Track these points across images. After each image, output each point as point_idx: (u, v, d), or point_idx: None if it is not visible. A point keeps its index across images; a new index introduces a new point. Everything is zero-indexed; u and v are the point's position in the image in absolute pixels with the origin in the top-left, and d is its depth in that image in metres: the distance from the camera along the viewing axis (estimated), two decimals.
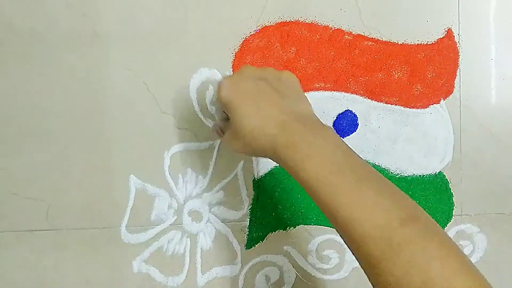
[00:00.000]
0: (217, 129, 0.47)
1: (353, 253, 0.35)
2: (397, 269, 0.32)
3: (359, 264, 0.35)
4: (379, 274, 0.33)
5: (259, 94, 0.39)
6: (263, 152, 0.39)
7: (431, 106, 0.54)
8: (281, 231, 0.55)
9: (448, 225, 0.55)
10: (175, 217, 0.54)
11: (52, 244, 0.54)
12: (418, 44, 0.53)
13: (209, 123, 0.53)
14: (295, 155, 0.36)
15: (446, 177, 0.54)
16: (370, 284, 0.35)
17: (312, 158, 0.36)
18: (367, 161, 0.54)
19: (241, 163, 0.54)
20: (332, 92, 0.53)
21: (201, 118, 0.53)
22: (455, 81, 0.53)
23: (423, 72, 0.53)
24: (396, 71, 0.53)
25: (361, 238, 0.33)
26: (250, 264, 0.55)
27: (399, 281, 0.32)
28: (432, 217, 0.52)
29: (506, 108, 0.54)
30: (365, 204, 0.34)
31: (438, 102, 0.54)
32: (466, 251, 0.55)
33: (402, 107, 0.54)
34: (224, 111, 0.43)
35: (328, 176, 0.35)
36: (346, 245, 0.36)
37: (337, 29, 0.53)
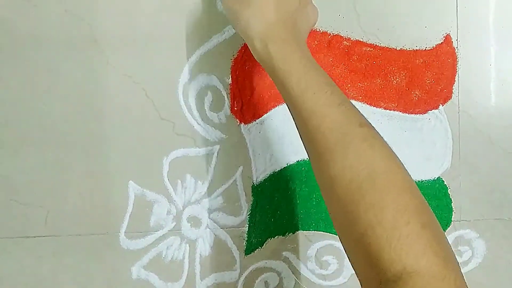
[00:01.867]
0: None
1: (305, 145, 0.39)
2: (346, 160, 0.35)
3: (309, 156, 0.39)
4: (328, 164, 0.36)
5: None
6: (241, 33, 0.43)
7: (429, 112, 0.54)
8: (280, 237, 0.55)
9: (446, 230, 0.55)
10: (174, 223, 0.54)
11: (51, 250, 0.54)
12: (416, 50, 0.53)
13: (208, 129, 0.53)
14: (283, 46, 0.40)
15: (445, 183, 0.54)
16: (318, 183, 0.38)
17: (295, 54, 0.40)
18: None
19: (240, 169, 0.54)
20: None
21: (200, 124, 0.53)
22: (453, 87, 0.53)
23: (421, 78, 0.53)
24: (394, 77, 0.53)
25: (318, 129, 0.37)
26: (249, 270, 0.55)
27: (345, 171, 0.35)
28: None
29: (505, 114, 0.54)
30: (331, 106, 0.37)
31: (436, 108, 0.54)
32: (465, 256, 0.55)
33: (400, 113, 0.54)
34: None
35: (302, 73, 0.39)
36: (303, 144, 0.39)
37: (336, 35, 0.53)
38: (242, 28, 0.43)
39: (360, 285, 0.36)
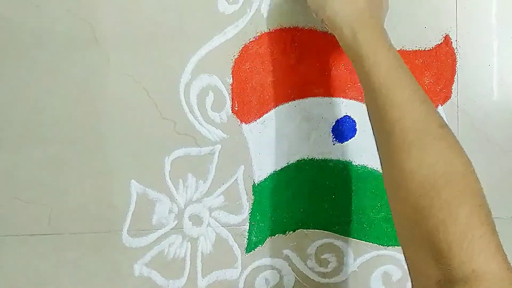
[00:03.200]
0: None
1: (380, 136, 0.39)
2: (424, 156, 0.36)
3: (381, 147, 0.39)
4: (403, 158, 0.36)
5: None
6: (326, 22, 0.43)
7: None
8: (280, 235, 0.56)
9: None
10: (176, 222, 0.55)
11: (54, 248, 0.55)
12: (415, 50, 0.53)
13: (209, 128, 0.54)
14: (373, 35, 0.41)
15: None
16: (385, 175, 0.39)
17: (384, 44, 0.41)
18: (365, 166, 0.55)
19: (241, 168, 0.54)
20: (331, 97, 0.54)
21: (201, 124, 0.54)
22: (452, 87, 0.54)
23: (421, 78, 0.53)
24: None
25: (398, 123, 0.37)
26: (250, 267, 0.56)
27: (422, 166, 0.35)
28: None
29: (504, 114, 0.55)
30: (415, 102, 0.38)
31: (435, 107, 0.54)
32: None
33: None
34: None
35: (392, 67, 0.39)
36: (374, 134, 0.40)
37: None
38: (329, 15, 0.43)
39: (411, 283, 0.36)
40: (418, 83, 0.39)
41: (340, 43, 0.43)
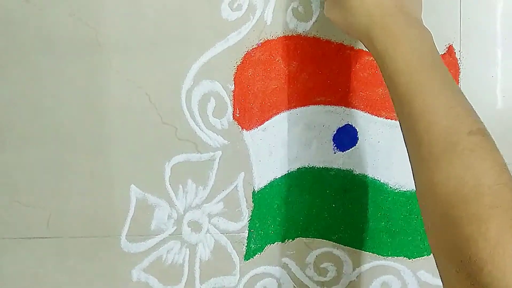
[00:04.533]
0: None
1: (410, 146, 0.38)
2: (452, 169, 0.34)
3: (412, 161, 0.38)
4: (431, 170, 0.35)
5: None
6: (357, 30, 0.41)
7: None
8: (279, 243, 0.56)
9: None
10: (175, 227, 0.55)
11: (52, 252, 0.55)
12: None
13: (210, 135, 0.54)
14: (388, 40, 0.39)
15: None
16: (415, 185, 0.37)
17: (403, 49, 0.38)
18: (366, 176, 0.55)
19: (242, 175, 0.54)
20: (333, 106, 0.54)
21: (202, 130, 0.53)
22: None
23: None
24: None
25: (425, 133, 0.36)
26: (248, 275, 0.56)
27: (450, 180, 0.34)
28: None
29: (507, 125, 0.54)
30: (440, 108, 0.36)
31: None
32: None
33: None
34: None
35: (413, 72, 0.37)
36: (405, 142, 0.39)
37: (339, 43, 0.53)
38: (350, 30, 0.42)
39: None
40: (448, 82, 0.37)
41: (366, 46, 0.42)
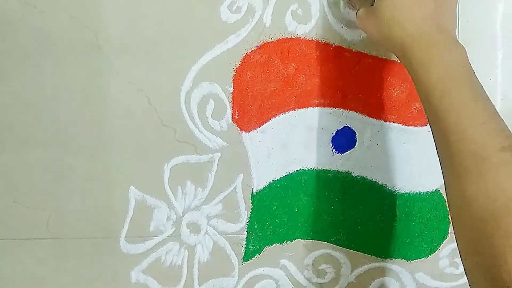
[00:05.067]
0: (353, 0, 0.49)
1: (442, 162, 0.38)
2: (483, 185, 0.34)
3: (445, 174, 0.38)
4: (462, 185, 0.36)
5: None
6: (392, 45, 0.42)
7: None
8: (278, 244, 0.56)
9: (443, 242, 0.55)
10: (174, 229, 0.55)
11: (52, 253, 0.55)
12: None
13: (209, 136, 0.54)
14: (423, 57, 0.39)
15: (443, 195, 0.55)
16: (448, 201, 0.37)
17: (438, 66, 0.39)
18: (365, 178, 0.55)
19: (240, 176, 0.54)
20: (331, 108, 0.54)
21: (201, 132, 0.54)
22: None
23: None
24: (395, 89, 0.54)
25: (458, 150, 0.36)
26: (247, 277, 0.56)
27: (480, 195, 0.34)
28: (428, 234, 0.53)
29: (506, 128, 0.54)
30: (474, 124, 0.36)
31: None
32: (462, 269, 0.56)
33: (400, 125, 0.54)
34: None
35: (447, 89, 0.38)
36: (438, 155, 0.39)
37: (337, 46, 0.53)
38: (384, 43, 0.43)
39: None
40: (481, 96, 0.38)
41: (398, 56, 0.43)
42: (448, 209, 0.39)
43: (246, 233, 0.55)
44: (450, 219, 0.38)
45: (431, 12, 0.41)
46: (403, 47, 0.41)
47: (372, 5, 0.45)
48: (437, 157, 0.39)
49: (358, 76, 0.53)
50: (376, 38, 0.44)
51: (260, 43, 0.53)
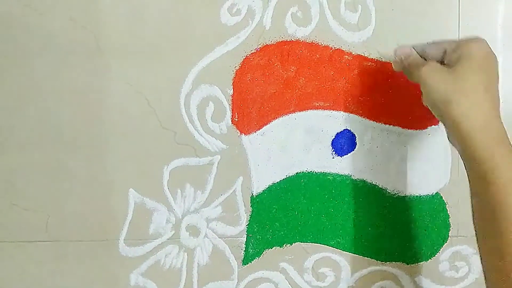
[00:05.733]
0: (416, 58, 0.46)
1: (488, 237, 0.39)
2: None
3: (484, 251, 0.39)
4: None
5: (489, 86, 0.41)
6: (442, 118, 0.42)
7: (429, 127, 0.54)
8: (277, 247, 0.56)
9: (444, 245, 0.55)
10: (173, 232, 0.55)
11: (51, 255, 0.55)
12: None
13: (209, 139, 0.54)
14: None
15: (443, 198, 0.55)
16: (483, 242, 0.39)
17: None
18: (365, 181, 0.55)
19: (240, 179, 0.54)
20: (331, 111, 0.54)
21: (201, 134, 0.54)
22: None
23: (421, 95, 0.53)
24: (395, 92, 0.53)
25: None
26: (246, 280, 0.56)
27: None
28: (429, 238, 0.53)
29: (507, 132, 0.54)
30: None
31: (436, 123, 0.54)
32: (462, 272, 0.56)
33: (400, 128, 0.54)
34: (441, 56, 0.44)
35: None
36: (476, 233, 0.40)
37: (337, 49, 0.53)
38: (454, 116, 0.40)
39: None
40: None
41: (457, 141, 0.41)
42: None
43: (245, 236, 0.55)
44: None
45: (496, 105, 0.42)
46: (464, 139, 0.40)
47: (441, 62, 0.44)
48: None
49: (358, 79, 0.53)
50: (429, 103, 0.43)
51: (260, 46, 0.53)
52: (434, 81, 0.42)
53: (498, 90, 0.43)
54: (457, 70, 0.41)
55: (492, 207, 0.38)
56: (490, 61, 0.42)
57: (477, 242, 0.40)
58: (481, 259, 0.40)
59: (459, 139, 0.40)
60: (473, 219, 0.41)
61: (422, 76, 0.43)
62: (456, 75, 0.41)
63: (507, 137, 0.40)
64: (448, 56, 0.44)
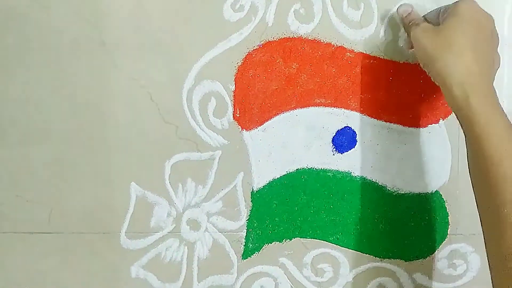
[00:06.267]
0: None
1: (485, 213, 0.39)
2: None
3: (488, 222, 0.39)
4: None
5: (477, 43, 0.41)
6: (432, 75, 0.43)
7: (429, 125, 0.54)
8: (277, 243, 0.56)
9: (442, 243, 0.55)
10: (174, 225, 0.55)
11: (53, 247, 0.56)
12: (418, 63, 0.53)
13: (210, 134, 0.54)
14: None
15: (442, 196, 0.55)
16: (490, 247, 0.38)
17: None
18: (365, 178, 0.55)
19: (241, 174, 0.55)
20: (332, 108, 0.54)
21: (202, 130, 0.54)
22: None
23: (423, 91, 0.54)
24: (396, 90, 0.54)
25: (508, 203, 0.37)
26: (246, 274, 0.56)
27: None
28: (427, 236, 0.53)
29: None
30: None
31: (437, 122, 0.54)
32: (460, 270, 0.56)
33: (401, 126, 0.54)
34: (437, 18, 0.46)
35: (504, 145, 0.38)
36: (475, 199, 0.41)
37: (339, 46, 0.53)
38: (438, 71, 0.42)
39: None
40: None
41: (446, 99, 0.42)
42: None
43: (245, 231, 0.55)
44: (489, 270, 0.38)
45: (491, 65, 0.43)
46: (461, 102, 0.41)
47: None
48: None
49: (359, 77, 0.54)
50: (422, 58, 0.44)
51: (262, 42, 0.53)
52: (422, 39, 0.44)
53: (494, 51, 0.44)
54: (443, 28, 0.43)
55: (476, 147, 0.39)
56: (480, 19, 0.43)
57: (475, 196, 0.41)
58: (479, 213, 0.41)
59: (444, 94, 0.42)
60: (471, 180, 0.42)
61: (414, 36, 0.45)
62: (442, 33, 0.42)
63: (492, 93, 0.41)
64: (441, 17, 0.46)
